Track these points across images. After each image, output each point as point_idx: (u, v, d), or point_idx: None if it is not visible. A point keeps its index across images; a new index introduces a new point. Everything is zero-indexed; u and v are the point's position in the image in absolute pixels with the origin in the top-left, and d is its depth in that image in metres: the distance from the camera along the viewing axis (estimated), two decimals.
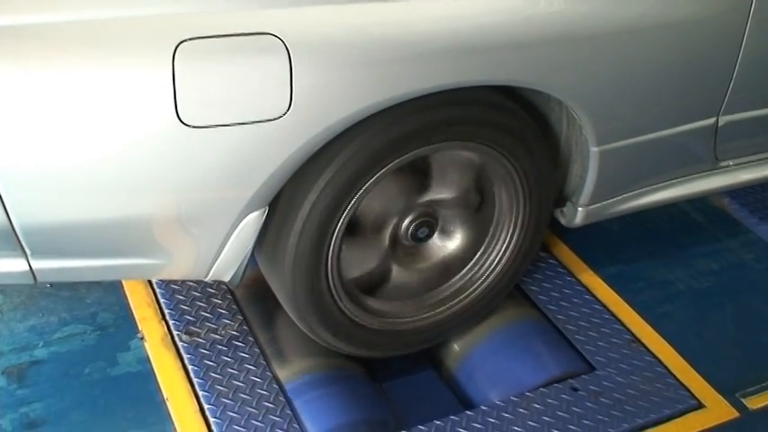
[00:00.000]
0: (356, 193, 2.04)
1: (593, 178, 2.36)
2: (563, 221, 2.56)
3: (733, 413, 2.48)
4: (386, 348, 2.42)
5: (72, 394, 2.34)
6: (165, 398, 2.31)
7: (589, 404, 2.42)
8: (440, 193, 2.30)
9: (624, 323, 2.72)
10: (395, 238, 2.31)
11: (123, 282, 2.65)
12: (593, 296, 2.81)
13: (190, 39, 1.66)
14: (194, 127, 1.73)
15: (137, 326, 2.52)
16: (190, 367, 2.37)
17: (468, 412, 2.36)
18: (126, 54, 1.66)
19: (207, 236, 1.96)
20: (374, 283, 2.35)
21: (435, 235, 2.39)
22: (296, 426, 2.25)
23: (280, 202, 2.02)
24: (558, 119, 2.37)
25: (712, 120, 2.45)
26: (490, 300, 2.51)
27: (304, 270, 2.08)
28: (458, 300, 2.45)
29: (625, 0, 2.07)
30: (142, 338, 2.49)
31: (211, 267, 2.05)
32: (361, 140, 1.95)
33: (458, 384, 2.55)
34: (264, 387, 2.33)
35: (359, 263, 2.30)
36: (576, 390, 2.46)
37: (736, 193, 3.37)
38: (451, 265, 2.44)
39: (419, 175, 2.27)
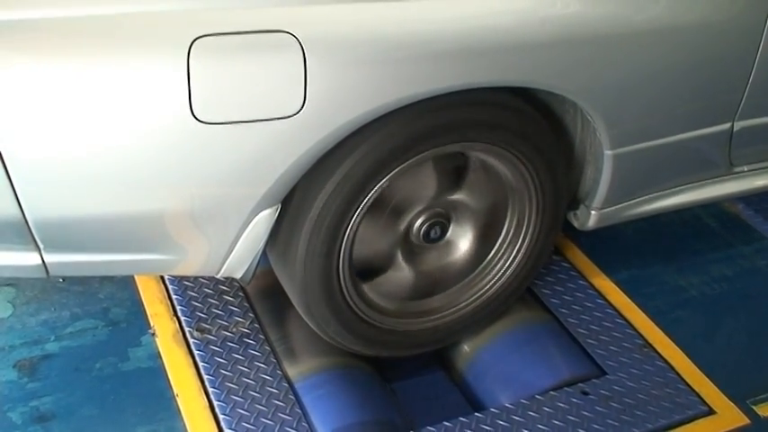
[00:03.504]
0: (368, 193, 2.04)
1: (606, 181, 2.35)
2: (576, 224, 2.55)
3: (744, 420, 2.47)
4: (396, 348, 2.42)
5: (82, 389, 2.34)
6: (176, 394, 2.32)
7: (599, 408, 2.41)
8: (467, 197, 2.31)
9: (636, 328, 2.71)
10: (407, 235, 2.31)
11: (135, 277, 2.66)
12: (606, 300, 2.80)
13: (205, 35, 1.67)
14: (208, 123, 1.73)
15: (148, 322, 2.53)
16: (200, 364, 2.37)
17: (477, 414, 2.36)
18: (141, 50, 1.67)
19: (219, 232, 1.97)
20: (377, 268, 2.35)
21: (447, 235, 2.38)
22: (305, 424, 2.25)
23: (292, 201, 2.02)
24: (573, 121, 2.36)
25: (727, 125, 2.44)
26: (502, 302, 2.51)
27: (315, 269, 2.09)
28: (470, 301, 2.45)
29: (640, 2, 2.07)
30: (153, 334, 2.49)
31: (223, 264, 2.06)
32: (374, 139, 1.95)
33: (468, 386, 2.54)
34: (274, 385, 2.33)
35: (370, 244, 2.29)
36: (586, 394, 2.45)
37: (750, 199, 3.35)
38: (465, 266, 2.43)
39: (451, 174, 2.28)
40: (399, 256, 2.35)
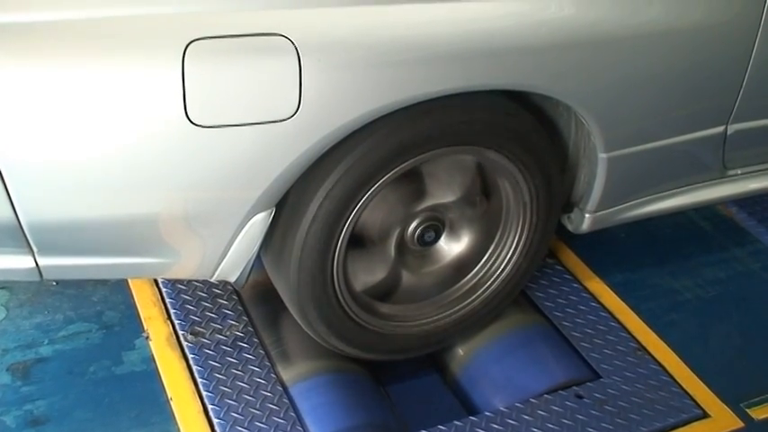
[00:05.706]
0: (362, 197, 2.03)
1: (600, 185, 2.35)
2: (570, 228, 2.55)
3: (738, 423, 2.47)
4: (391, 352, 2.42)
5: (76, 392, 2.34)
6: (169, 398, 2.31)
7: (593, 412, 2.41)
8: (440, 197, 2.30)
9: (630, 331, 2.71)
10: (401, 244, 2.31)
11: (129, 281, 2.66)
12: (600, 303, 2.80)
13: (200, 38, 1.66)
14: (203, 126, 1.73)
15: (142, 325, 2.52)
16: (194, 367, 2.37)
17: (471, 418, 2.36)
18: (136, 52, 1.67)
19: (213, 236, 1.96)
20: (385, 291, 2.35)
21: (442, 239, 2.38)
22: (299, 428, 2.24)
23: (286, 204, 2.02)
24: (567, 124, 2.36)
25: (721, 128, 2.44)
26: (496, 305, 2.50)
27: (309, 272, 2.08)
28: (464, 304, 2.44)
29: (635, 6, 2.07)
30: (147, 338, 2.48)
31: (217, 267, 2.05)
32: (368, 143, 1.95)
33: (462, 390, 2.54)
34: (269, 389, 2.33)
35: (368, 274, 2.30)
36: (580, 397, 2.45)
37: (743, 202, 3.36)
38: (458, 270, 2.43)
39: (418, 180, 2.26)
40: (403, 273, 2.37)
